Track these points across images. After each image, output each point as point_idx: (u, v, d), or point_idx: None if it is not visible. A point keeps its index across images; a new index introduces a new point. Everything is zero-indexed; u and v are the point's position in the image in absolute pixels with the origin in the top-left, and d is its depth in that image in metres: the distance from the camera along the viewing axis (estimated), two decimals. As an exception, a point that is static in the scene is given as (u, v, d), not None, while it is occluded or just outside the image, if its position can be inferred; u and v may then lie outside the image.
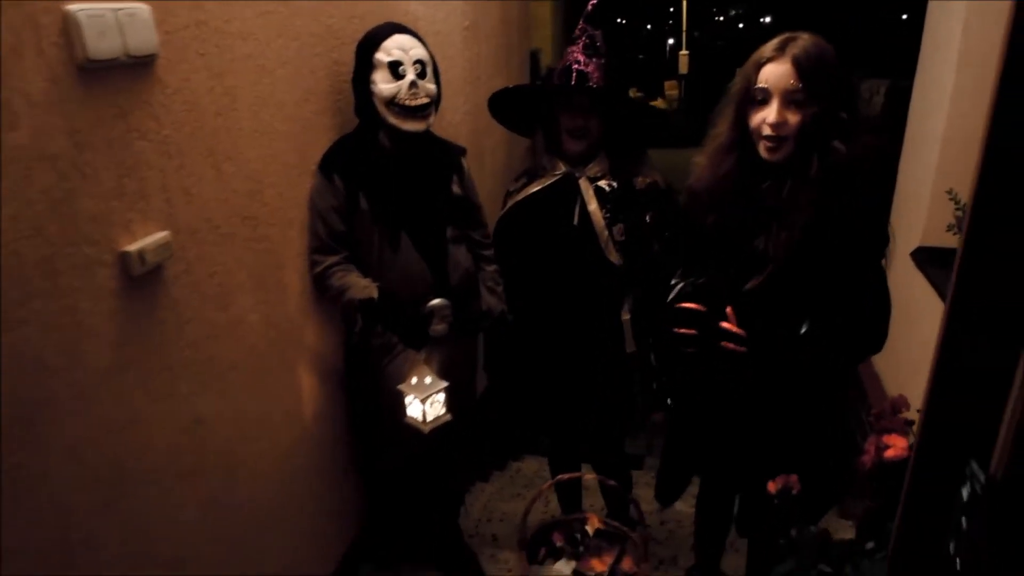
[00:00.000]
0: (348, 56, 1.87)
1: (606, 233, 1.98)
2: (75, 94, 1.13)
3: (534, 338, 2.15)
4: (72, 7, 1.11)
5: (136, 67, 1.24)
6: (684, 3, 11.71)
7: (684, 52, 11.40)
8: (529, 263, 2.11)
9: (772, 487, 1.52)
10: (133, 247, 1.25)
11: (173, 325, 1.39)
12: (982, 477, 0.54)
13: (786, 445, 1.63)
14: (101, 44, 1.14)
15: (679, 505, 2.36)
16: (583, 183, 2.01)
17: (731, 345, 1.50)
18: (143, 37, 1.23)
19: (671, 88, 11.40)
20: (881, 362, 2.90)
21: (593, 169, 2.01)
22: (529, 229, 2.07)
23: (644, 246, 2.01)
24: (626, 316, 2.05)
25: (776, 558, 1.49)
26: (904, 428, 1.53)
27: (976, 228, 0.56)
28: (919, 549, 0.63)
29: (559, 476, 2.10)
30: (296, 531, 1.92)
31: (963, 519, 0.59)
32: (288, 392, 1.80)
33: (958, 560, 0.58)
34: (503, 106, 2.14)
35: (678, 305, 1.55)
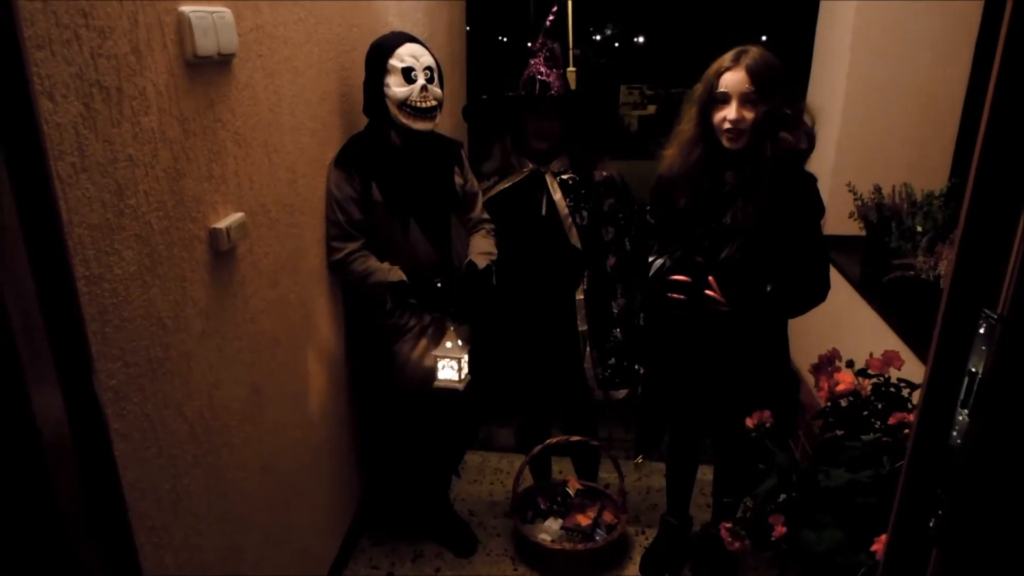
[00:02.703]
0: (351, 62, 2.06)
1: (570, 220, 2.27)
2: (183, 85, 1.28)
3: (509, 316, 2.38)
4: (185, 8, 1.25)
5: (221, 64, 1.39)
6: (570, 23, 12.29)
7: (572, 69, 11.97)
8: (503, 250, 2.35)
9: (750, 422, 1.84)
10: (222, 225, 1.40)
11: (241, 299, 1.53)
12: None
13: (752, 387, 1.94)
14: (205, 42, 1.29)
15: (625, 482, 2.65)
16: (548, 178, 2.28)
17: (717, 304, 1.82)
18: (228, 37, 1.38)
19: (561, 104, 11.89)
20: (792, 337, 3.32)
21: (556, 165, 2.30)
22: (502, 221, 2.32)
23: (602, 231, 2.30)
24: (580, 296, 2.33)
25: (756, 480, 1.80)
26: (846, 369, 1.90)
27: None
28: (930, 442, 0.91)
29: (548, 441, 2.34)
30: (318, 503, 2.06)
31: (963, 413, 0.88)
32: (315, 368, 1.95)
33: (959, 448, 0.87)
34: (473, 112, 2.39)
35: (671, 278, 1.86)
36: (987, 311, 0.81)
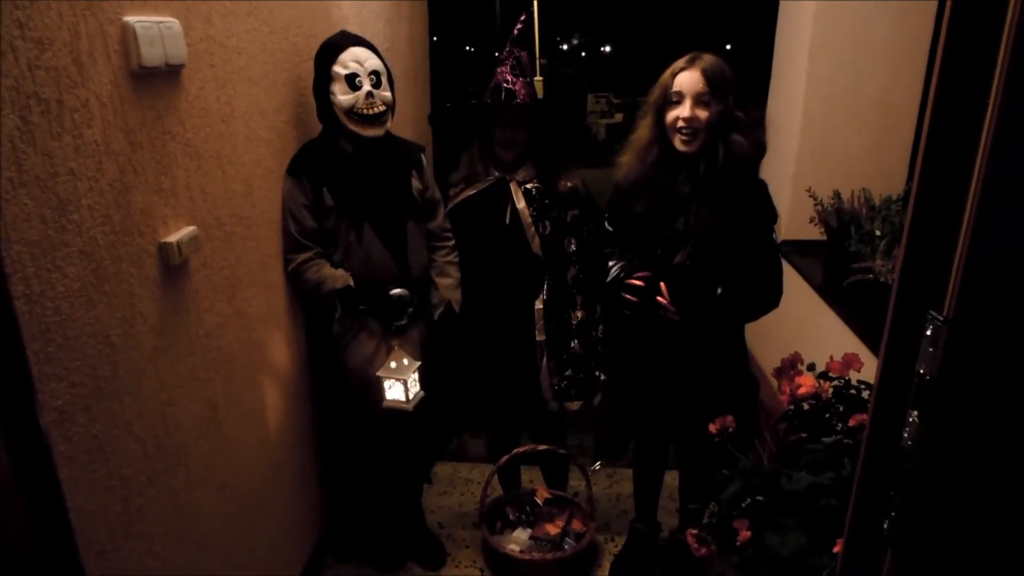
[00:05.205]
0: (308, 72, 2.03)
1: (532, 228, 2.26)
2: (129, 97, 1.25)
3: (474, 323, 2.36)
4: (129, 19, 1.23)
5: (170, 75, 1.36)
6: (536, 33, 12.36)
7: (539, 78, 12.02)
8: (466, 257, 2.34)
9: (713, 428, 1.84)
10: (172, 239, 1.36)
11: (195, 314, 1.49)
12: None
13: (712, 392, 1.95)
14: (151, 53, 1.27)
15: (594, 489, 2.65)
16: (513, 186, 2.27)
17: (667, 312, 1.84)
18: (176, 48, 1.35)
19: (528, 112, 11.94)
20: (756, 341, 3.36)
21: (522, 174, 2.29)
22: (467, 228, 2.31)
23: (563, 241, 2.30)
24: (539, 305, 2.32)
25: (720, 485, 1.81)
26: (807, 372, 1.91)
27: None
28: (882, 444, 0.92)
29: (516, 450, 2.32)
30: (280, 520, 2.02)
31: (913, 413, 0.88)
32: (274, 383, 1.91)
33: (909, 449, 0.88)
34: (439, 121, 2.37)
35: (627, 281, 1.87)
36: (933, 313, 0.81)
